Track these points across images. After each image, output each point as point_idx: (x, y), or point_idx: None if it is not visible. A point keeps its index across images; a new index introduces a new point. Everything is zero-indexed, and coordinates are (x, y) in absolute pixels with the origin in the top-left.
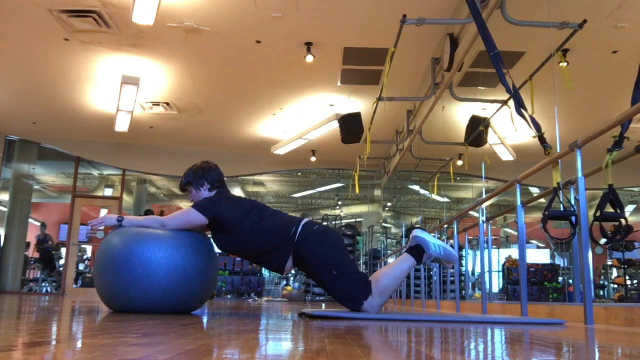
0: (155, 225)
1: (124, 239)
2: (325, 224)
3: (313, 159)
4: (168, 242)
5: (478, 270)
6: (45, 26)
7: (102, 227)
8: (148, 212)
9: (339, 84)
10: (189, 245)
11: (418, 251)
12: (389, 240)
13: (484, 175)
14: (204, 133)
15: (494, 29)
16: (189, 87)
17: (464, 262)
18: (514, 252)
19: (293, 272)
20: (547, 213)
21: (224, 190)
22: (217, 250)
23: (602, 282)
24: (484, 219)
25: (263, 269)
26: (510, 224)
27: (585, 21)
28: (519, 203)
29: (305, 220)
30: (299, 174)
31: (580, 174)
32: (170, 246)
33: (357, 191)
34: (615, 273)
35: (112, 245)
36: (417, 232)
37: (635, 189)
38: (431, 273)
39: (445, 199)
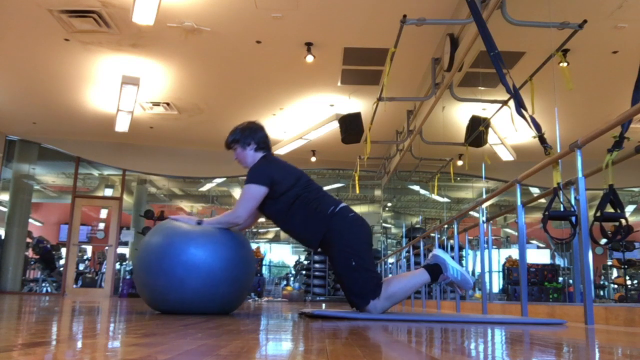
0: (230, 219)
1: (163, 238)
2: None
3: (313, 159)
4: (206, 242)
5: (478, 270)
6: (45, 26)
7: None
8: (148, 212)
9: (339, 84)
10: (227, 246)
11: (435, 270)
12: (389, 240)
13: (484, 175)
14: (204, 133)
15: (494, 29)
16: (189, 87)
17: (464, 262)
18: (514, 252)
19: (293, 271)
20: (547, 213)
21: (269, 153)
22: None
23: (602, 282)
24: (484, 219)
25: (264, 269)
26: (510, 224)
27: (585, 21)
28: (519, 203)
29: (343, 204)
30: None
31: (580, 174)
32: (209, 246)
33: (357, 191)
34: (615, 273)
35: (151, 245)
36: (437, 252)
37: (635, 189)
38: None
39: (445, 199)
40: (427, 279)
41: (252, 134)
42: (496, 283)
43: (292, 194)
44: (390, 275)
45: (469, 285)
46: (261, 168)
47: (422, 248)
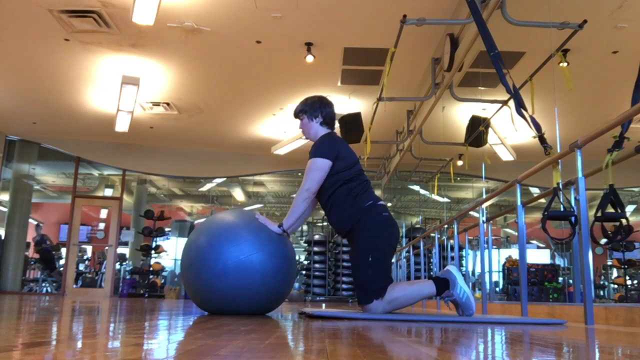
0: (305, 197)
1: (208, 239)
2: (325, 223)
3: None
4: (253, 244)
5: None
6: (45, 26)
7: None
8: (148, 212)
9: (339, 84)
10: (272, 248)
11: (443, 283)
12: None
13: (484, 175)
14: (204, 133)
15: (494, 29)
16: (189, 87)
17: (464, 262)
18: (514, 252)
19: None
20: (546, 213)
21: (333, 132)
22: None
23: (602, 282)
24: (484, 219)
25: None
26: (510, 224)
27: (585, 21)
28: (519, 203)
29: (381, 202)
30: (299, 174)
31: (580, 174)
32: (256, 248)
33: None
34: (615, 273)
35: (197, 245)
36: (451, 269)
37: (635, 189)
38: (431, 273)
39: (445, 199)
40: (433, 291)
41: (321, 108)
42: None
43: (343, 176)
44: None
45: (470, 310)
46: (327, 143)
47: (422, 248)
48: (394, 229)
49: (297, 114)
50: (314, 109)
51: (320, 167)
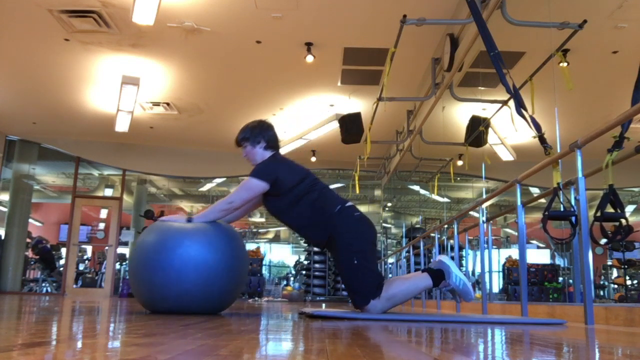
0: (224, 207)
1: (157, 236)
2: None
3: (313, 159)
4: (201, 240)
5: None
6: (45, 26)
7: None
8: (148, 212)
9: (339, 84)
10: (220, 243)
11: (438, 275)
12: (389, 240)
13: (484, 175)
14: (204, 133)
15: (494, 29)
16: (189, 87)
17: (464, 262)
18: (514, 252)
19: (293, 271)
20: (546, 213)
21: (278, 153)
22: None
23: (602, 282)
24: (484, 219)
25: (264, 269)
26: (510, 224)
27: (585, 21)
28: (519, 203)
29: (349, 203)
30: None
31: (580, 174)
32: (203, 244)
33: (357, 191)
34: (615, 273)
35: (146, 243)
36: (443, 258)
37: (635, 189)
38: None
39: (445, 199)
40: (429, 284)
41: (262, 132)
42: (496, 283)
43: (295, 192)
44: (391, 276)
45: (469, 297)
46: (267, 165)
47: (422, 248)
48: (369, 227)
49: (239, 142)
50: (255, 134)
51: (252, 187)
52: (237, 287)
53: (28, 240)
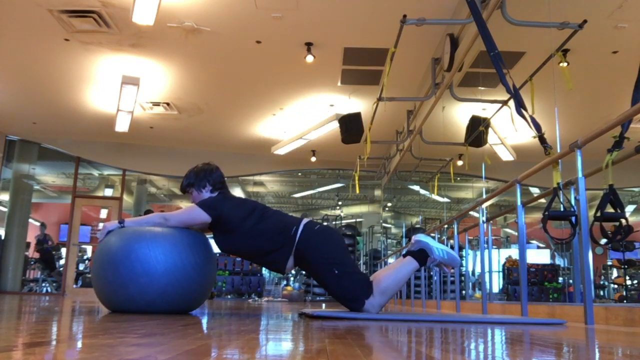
0: (157, 221)
1: (121, 237)
2: (325, 224)
3: (313, 159)
4: (166, 240)
5: (478, 270)
6: (45, 26)
7: (105, 236)
8: (148, 212)
9: (339, 84)
10: (186, 243)
11: (421, 255)
12: (389, 240)
13: (484, 175)
14: (204, 133)
15: (494, 29)
16: (189, 87)
17: (464, 262)
18: (514, 252)
19: (293, 272)
20: (546, 213)
21: (225, 191)
22: (216, 250)
23: (602, 282)
24: (484, 219)
25: (263, 269)
26: (510, 224)
27: (585, 21)
28: (519, 203)
29: (305, 220)
30: (299, 174)
31: (580, 174)
32: (168, 244)
33: (357, 191)
34: (615, 273)
35: (110, 244)
36: (419, 237)
37: (635, 189)
38: (431, 273)
39: (445, 199)
40: (416, 266)
41: (206, 177)
42: (496, 283)
43: (246, 226)
44: (377, 270)
45: (456, 262)
46: (214, 200)
47: (412, 238)
48: (334, 234)
49: (185, 189)
50: (200, 179)
51: (193, 216)
52: (203, 287)
53: (37, 231)
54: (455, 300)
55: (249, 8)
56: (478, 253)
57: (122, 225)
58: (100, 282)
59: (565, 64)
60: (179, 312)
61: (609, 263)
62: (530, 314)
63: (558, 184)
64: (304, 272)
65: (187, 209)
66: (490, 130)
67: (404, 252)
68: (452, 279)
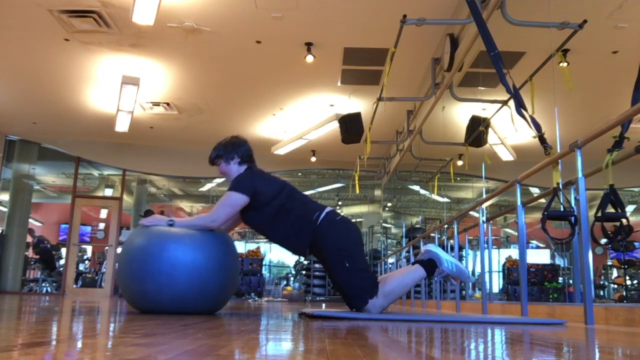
0: (206, 223)
1: (147, 237)
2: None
3: (313, 159)
4: (191, 240)
5: (478, 270)
6: (45, 26)
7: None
8: (148, 212)
9: (339, 84)
10: (211, 244)
11: (430, 265)
12: (389, 240)
13: (484, 175)
14: (204, 133)
15: (494, 29)
16: (189, 87)
17: (464, 262)
18: (514, 252)
19: (293, 271)
20: (546, 213)
21: (253, 165)
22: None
23: (602, 282)
24: (484, 219)
25: (263, 269)
26: (510, 224)
27: (585, 21)
28: (519, 203)
29: (328, 209)
30: (299, 174)
31: (580, 174)
32: (193, 244)
33: (357, 191)
34: (615, 273)
35: (136, 244)
36: (430, 247)
37: (635, 189)
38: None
39: (445, 199)
40: (423, 274)
41: (235, 149)
42: (496, 283)
43: (275, 204)
44: (376, 270)
45: (464, 276)
46: (245, 178)
47: (422, 248)
48: (352, 228)
49: (213, 160)
50: (228, 151)
51: (233, 202)
52: (228, 288)
53: (30, 238)
54: (455, 300)
55: (249, 8)
56: (478, 253)
57: (171, 224)
58: (126, 282)
59: (565, 64)
60: (203, 313)
61: (609, 263)
62: (530, 314)
63: (558, 184)
64: (304, 272)
65: (223, 200)
66: (490, 130)
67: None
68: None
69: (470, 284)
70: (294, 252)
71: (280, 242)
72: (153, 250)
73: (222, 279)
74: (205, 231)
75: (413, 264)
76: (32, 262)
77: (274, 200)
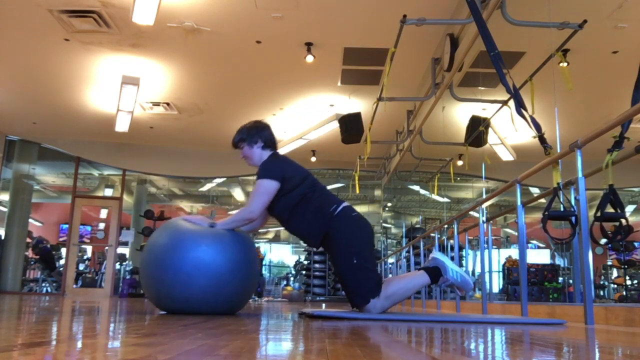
0: (245, 215)
1: (169, 236)
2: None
3: (313, 159)
4: (214, 241)
5: (478, 270)
6: (45, 26)
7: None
8: (148, 212)
9: (339, 84)
10: (231, 243)
11: (435, 272)
12: (389, 240)
13: (484, 175)
14: (204, 133)
15: (494, 29)
16: (189, 87)
17: (464, 262)
18: (514, 252)
19: (293, 271)
20: (546, 213)
21: (277, 152)
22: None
23: (602, 282)
24: (484, 219)
25: (264, 269)
26: (510, 224)
27: (585, 21)
28: (519, 203)
29: (345, 204)
30: None
31: (580, 174)
32: (216, 244)
33: (357, 191)
34: (615, 273)
35: (158, 243)
36: (436, 255)
37: (635, 189)
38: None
39: (445, 199)
40: (427, 280)
41: (258, 133)
42: (496, 283)
43: (297, 192)
44: (390, 276)
45: (469, 287)
46: (273, 164)
47: (422, 248)
48: (366, 227)
49: (236, 144)
50: (252, 135)
51: (268, 190)
52: (247, 293)
53: (28, 240)
54: (455, 300)
55: (249, 8)
56: (478, 253)
57: (212, 226)
58: (149, 281)
59: (565, 64)
60: (223, 313)
61: (609, 263)
62: (530, 314)
63: (558, 184)
64: (304, 272)
65: (257, 190)
66: (490, 130)
67: (412, 261)
68: None
69: (468, 275)
70: (307, 242)
71: (295, 231)
72: (176, 251)
73: (244, 280)
74: (227, 232)
75: (419, 269)
76: (32, 262)
77: (297, 188)
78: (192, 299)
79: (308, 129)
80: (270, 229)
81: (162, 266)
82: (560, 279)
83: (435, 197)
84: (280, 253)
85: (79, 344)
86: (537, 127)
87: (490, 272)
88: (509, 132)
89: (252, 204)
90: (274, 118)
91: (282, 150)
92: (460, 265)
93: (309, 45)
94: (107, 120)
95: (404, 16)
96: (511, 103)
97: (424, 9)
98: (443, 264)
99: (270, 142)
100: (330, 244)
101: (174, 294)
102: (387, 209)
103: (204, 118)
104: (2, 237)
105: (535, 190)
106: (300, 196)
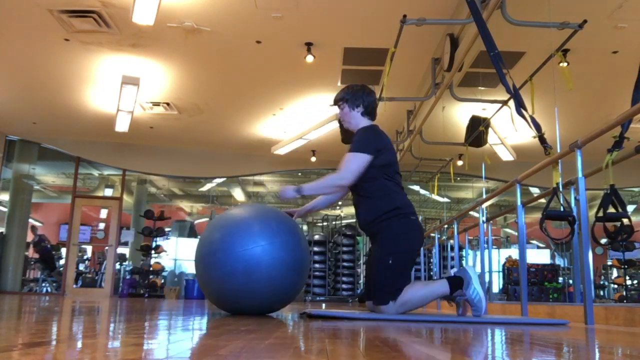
0: (335, 181)
1: (221, 233)
2: (324, 224)
3: (313, 159)
4: (269, 236)
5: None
6: (45, 26)
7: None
8: (148, 212)
9: (339, 84)
10: (285, 241)
11: (456, 282)
12: None
13: (484, 175)
14: (204, 133)
15: (494, 29)
16: (189, 87)
17: (464, 262)
18: (514, 252)
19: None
20: (544, 213)
21: (376, 126)
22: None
23: (602, 282)
24: (484, 219)
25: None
26: (510, 224)
27: (585, 21)
28: (519, 203)
29: (410, 204)
30: (299, 174)
31: (580, 174)
32: (270, 239)
33: None
34: (615, 273)
35: (210, 239)
36: (469, 269)
37: (635, 189)
38: (431, 273)
39: (445, 199)
40: (446, 290)
41: (362, 96)
42: (496, 283)
43: (379, 172)
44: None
45: (481, 310)
46: (371, 138)
47: (422, 248)
48: (419, 233)
49: (338, 101)
50: (356, 97)
51: (361, 162)
52: (302, 283)
53: (31, 236)
54: None
55: (249, 8)
56: (478, 253)
57: (299, 190)
58: (204, 279)
59: (565, 64)
60: (272, 310)
61: (609, 263)
62: (530, 314)
63: (557, 184)
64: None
65: (350, 159)
66: (490, 130)
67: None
68: None
69: (485, 301)
70: (359, 219)
71: (356, 204)
72: (223, 248)
73: (298, 276)
74: (280, 227)
75: (441, 278)
76: (32, 262)
77: (381, 168)
78: (241, 300)
79: (308, 129)
80: None
81: (210, 263)
82: (560, 279)
83: (435, 197)
84: None
85: (79, 344)
86: (537, 127)
87: (490, 272)
88: (509, 132)
89: (344, 172)
90: (273, 118)
91: (282, 150)
92: (460, 266)
93: (309, 45)
94: (107, 120)
95: (404, 16)
96: (511, 103)
97: (424, 9)
98: (469, 278)
99: (372, 109)
100: (378, 235)
101: (223, 295)
102: None
103: (204, 118)
104: (3, 233)
105: (535, 190)
106: (379, 177)
